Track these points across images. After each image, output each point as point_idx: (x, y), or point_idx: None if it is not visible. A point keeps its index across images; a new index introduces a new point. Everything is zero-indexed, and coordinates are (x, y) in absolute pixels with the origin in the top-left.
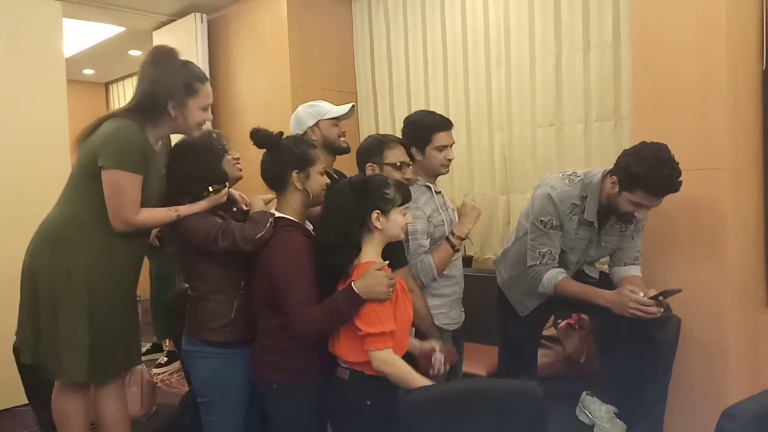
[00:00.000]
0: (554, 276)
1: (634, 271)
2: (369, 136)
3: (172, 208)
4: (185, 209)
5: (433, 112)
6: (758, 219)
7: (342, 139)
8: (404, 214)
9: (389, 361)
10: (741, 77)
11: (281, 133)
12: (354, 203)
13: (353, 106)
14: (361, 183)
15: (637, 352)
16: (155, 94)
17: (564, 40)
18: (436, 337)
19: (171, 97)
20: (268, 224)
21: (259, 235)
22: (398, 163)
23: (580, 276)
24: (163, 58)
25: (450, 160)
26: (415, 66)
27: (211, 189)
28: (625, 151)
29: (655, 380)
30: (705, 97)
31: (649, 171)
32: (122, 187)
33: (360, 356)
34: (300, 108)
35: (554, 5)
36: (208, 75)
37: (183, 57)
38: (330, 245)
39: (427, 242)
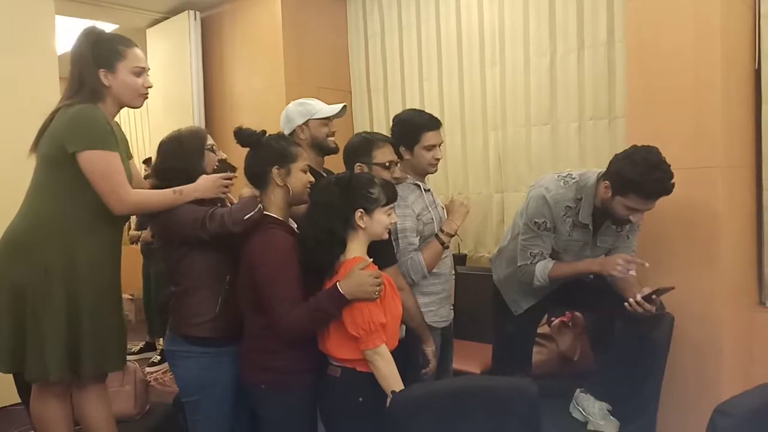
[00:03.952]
0: (545, 266)
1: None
2: (356, 135)
3: (172, 189)
4: (188, 189)
5: (422, 111)
6: (751, 217)
7: (331, 138)
8: (389, 214)
9: (385, 355)
10: (734, 76)
11: (264, 132)
12: (338, 200)
13: (345, 106)
14: (346, 180)
15: (631, 350)
16: (80, 72)
17: (558, 39)
18: (426, 335)
19: (99, 65)
20: (256, 207)
21: (247, 216)
22: (387, 163)
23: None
24: (79, 38)
25: (438, 160)
26: (410, 65)
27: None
28: (616, 155)
29: (648, 378)
30: (699, 95)
31: (642, 175)
32: (106, 167)
33: (351, 353)
34: (290, 105)
35: (549, 5)
36: (201, 73)
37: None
38: (314, 241)
39: (416, 240)
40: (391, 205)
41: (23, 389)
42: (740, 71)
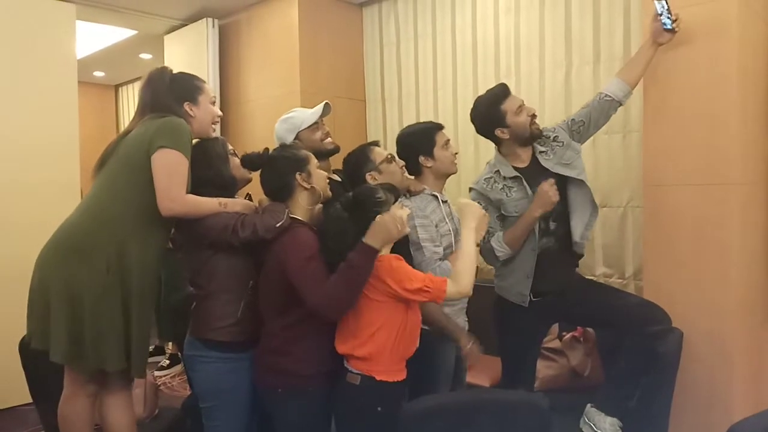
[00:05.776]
0: (498, 237)
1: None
2: (347, 156)
3: (218, 199)
4: (231, 203)
5: (418, 123)
6: (764, 235)
7: (327, 141)
8: (401, 207)
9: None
10: (750, 92)
11: (267, 149)
12: (350, 224)
13: (327, 103)
14: (351, 201)
15: (640, 365)
16: (154, 102)
17: (574, 53)
18: (458, 334)
19: (183, 99)
20: (285, 213)
21: (279, 223)
22: (388, 157)
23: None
24: (153, 77)
25: (456, 154)
26: (425, 74)
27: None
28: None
29: (658, 394)
30: (714, 112)
31: (483, 98)
32: (176, 167)
33: (369, 352)
34: (277, 125)
35: (565, 18)
36: (218, 80)
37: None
38: (335, 265)
39: (440, 249)
40: (399, 200)
41: (35, 388)
42: (756, 87)
